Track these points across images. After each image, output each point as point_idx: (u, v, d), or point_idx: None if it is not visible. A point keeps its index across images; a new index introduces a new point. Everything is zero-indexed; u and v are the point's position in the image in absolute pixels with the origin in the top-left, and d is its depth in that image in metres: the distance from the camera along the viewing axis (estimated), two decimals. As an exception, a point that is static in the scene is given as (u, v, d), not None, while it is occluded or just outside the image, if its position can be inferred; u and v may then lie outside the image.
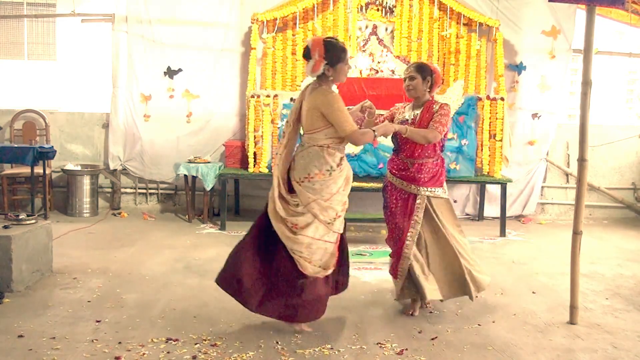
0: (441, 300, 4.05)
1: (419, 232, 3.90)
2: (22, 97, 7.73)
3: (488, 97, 6.82)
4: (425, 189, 3.90)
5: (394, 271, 3.96)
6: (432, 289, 3.88)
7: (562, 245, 5.66)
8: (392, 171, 4.03)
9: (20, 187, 7.11)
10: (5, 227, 4.33)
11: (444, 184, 4.02)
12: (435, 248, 3.93)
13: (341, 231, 3.62)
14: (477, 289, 3.98)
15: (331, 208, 3.50)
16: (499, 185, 6.84)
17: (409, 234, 3.88)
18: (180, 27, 7.17)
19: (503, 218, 6.68)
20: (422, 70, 3.95)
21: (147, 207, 7.49)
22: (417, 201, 3.89)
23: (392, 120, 4.07)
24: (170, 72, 7.21)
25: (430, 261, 3.93)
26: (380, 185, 6.44)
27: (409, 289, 3.93)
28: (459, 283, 3.91)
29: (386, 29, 7.20)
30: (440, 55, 7.17)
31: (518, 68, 7.41)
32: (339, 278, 3.77)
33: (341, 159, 3.57)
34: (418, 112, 3.96)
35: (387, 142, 6.13)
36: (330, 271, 3.60)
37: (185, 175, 6.82)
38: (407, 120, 3.97)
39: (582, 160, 3.85)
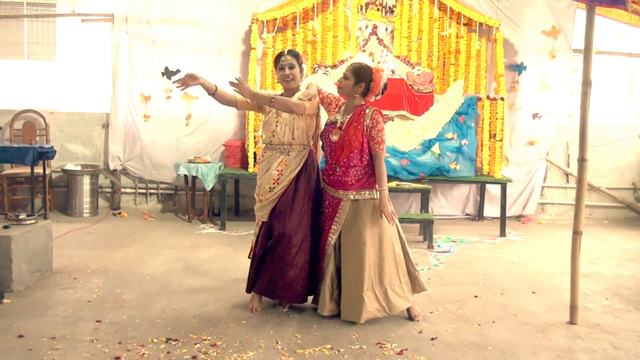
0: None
1: (336, 245, 3.82)
2: (22, 97, 7.73)
3: (488, 97, 6.82)
4: (353, 192, 3.77)
5: (319, 272, 3.91)
6: (326, 306, 3.80)
7: (562, 245, 5.66)
8: (323, 177, 3.96)
9: (20, 187, 7.11)
10: (5, 227, 4.33)
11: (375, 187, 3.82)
12: (347, 264, 3.78)
13: (260, 218, 3.99)
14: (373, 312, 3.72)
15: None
16: (499, 185, 6.84)
17: (331, 231, 3.82)
18: (180, 27, 7.17)
19: (503, 218, 6.68)
20: (359, 73, 3.74)
21: (147, 207, 7.49)
22: (341, 204, 3.80)
23: (324, 100, 3.97)
24: (168, 73, 7.20)
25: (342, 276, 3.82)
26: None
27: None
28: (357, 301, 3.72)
29: (386, 29, 7.20)
30: (440, 55, 7.17)
31: (518, 68, 7.41)
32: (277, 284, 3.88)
33: (263, 154, 4.04)
34: (348, 117, 3.79)
35: (390, 143, 6.17)
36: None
37: (185, 175, 6.82)
38: (337, 122, 3.83)
39: (582, 160, 3.85)
